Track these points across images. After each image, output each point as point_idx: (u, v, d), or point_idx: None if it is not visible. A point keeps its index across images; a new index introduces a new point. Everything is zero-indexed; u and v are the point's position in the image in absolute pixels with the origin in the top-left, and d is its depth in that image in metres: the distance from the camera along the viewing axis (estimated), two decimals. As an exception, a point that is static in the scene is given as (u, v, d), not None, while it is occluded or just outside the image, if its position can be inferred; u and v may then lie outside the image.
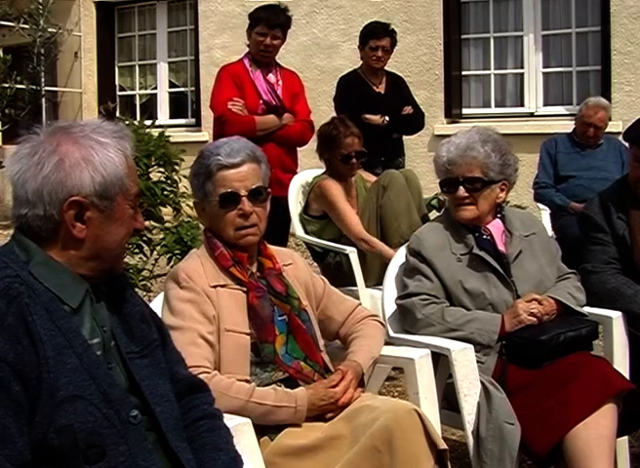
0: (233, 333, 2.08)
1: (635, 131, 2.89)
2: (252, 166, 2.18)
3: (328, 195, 3.79)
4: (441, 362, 2.45)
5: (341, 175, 3.89)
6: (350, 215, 3.76)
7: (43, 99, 8.83)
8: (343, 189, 3.89)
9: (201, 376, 1.87)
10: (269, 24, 4.16)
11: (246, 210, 2.15)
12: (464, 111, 7.46)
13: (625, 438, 2.58)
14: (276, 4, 4.38)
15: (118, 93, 9.34)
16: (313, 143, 4.62)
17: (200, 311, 2.07)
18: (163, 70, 9.09)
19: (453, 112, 7.36)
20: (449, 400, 2.48)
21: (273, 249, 2.29)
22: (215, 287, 2.12)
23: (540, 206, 5.18)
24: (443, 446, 1.93)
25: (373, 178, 4.01)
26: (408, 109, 4.88)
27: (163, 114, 9.04)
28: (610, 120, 5.42)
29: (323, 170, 3.99)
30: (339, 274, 3.73)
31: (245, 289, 2.14)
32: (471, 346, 2.40)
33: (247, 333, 2.09)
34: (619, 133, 5.34)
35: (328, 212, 3.83)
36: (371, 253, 3.72)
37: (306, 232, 3.97)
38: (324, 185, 3.82)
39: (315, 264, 4.13)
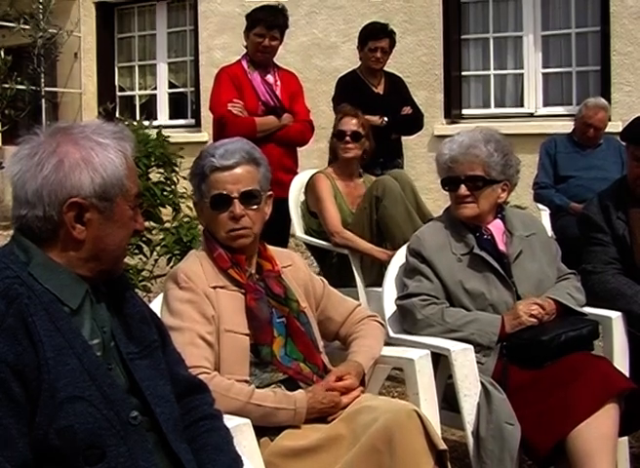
0: (233, 334, 2.08)
1: (632, 130, 2.90)
2: (247, 168, 2.16)
3: (316, 189, 3.83)
4: (441, 362, 2.45)
5: (343, 164, 3.90)
6: (330, 210, 3.77)
7: (43, 100, 8.82)
8: (348, 187, 3.89)
9: (201, 377, 1.87)
10: (268, 25, 4.16)
11: (236, 212, 2.14)
12: (464, 112, 7.45)
13: (625, 438, 2.58)
14: (274, 5, 4.38)
15: (118, 93, 9.33)
16: (313, 144, 4.63)
17: (199, 311, 2.07)
18: (163, 71, 9.08)
19: (452, 113, 7.36)
20: (449, 400, 2.48)
21: (273, 250, 2.29)
22: (214, 287, 2.12)
23: (540, 206, 5.18)
24: (443, 446, 1.92)
25: None
26: (407, 110, 4.88)
27: (163, 115, 9.04)
28: (609, 120, 5.43)
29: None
30: (339, 274, 3.73)
31: (243, 290, 2.14)
32: (471, 346, 2.40)
33: (246, 334, 2.09)
34: (618, 133, 5.34)
35: (315, 205, 3.84)
36: (350, 250, 3.71)
37: (308, 231, 3.98)
38: (314, 179, 3.88)
39: (315, 265, 4.13)
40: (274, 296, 2.17)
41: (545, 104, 7.17)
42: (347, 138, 3.86)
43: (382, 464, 1.86)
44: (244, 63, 4.26)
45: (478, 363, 2.40)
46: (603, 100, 5.38)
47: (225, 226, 2.15)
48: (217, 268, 2.16)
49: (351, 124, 3.89)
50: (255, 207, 2.17)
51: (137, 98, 9.31)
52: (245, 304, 2.12)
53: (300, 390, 2.07)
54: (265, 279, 2.19)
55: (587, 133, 5.16)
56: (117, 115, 8.14)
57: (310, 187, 3.89)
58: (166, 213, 4.13)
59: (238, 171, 2.15)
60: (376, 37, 4.79)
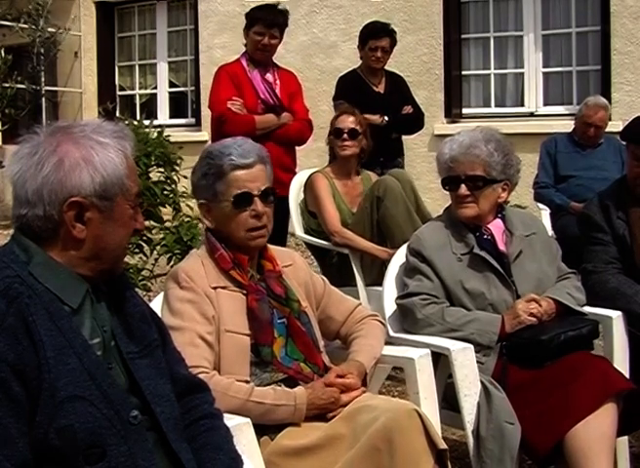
0: (233, 334, 2.08)
1: (632, 129, 2.90)
2: (261, 167, 2.18)
3: (314, 188, 3.83)
4: (441, 361, 2.45)
5: (341, 163, 3.90)
6: (329, 209, 3.77)
7: (43, 99, 8.82)
8: (346, 187, 3.89)
9: (200, 377, 1.87)
10: (267, 24, 4.17)
11: (259, 210, 2.15)
12: (464, 111, 7.45)
13: (625, 438, 2.58)
14: (273, 4, 4.39)
15: (118, 92, 9.33)
16: (313, 143, 4.62)
17: (200, 311, 2.06)
18: (163, 70, 9.08)
19: (453, 112, 7.35)
20: (449, 400, 2.48)
21: (273, 249, 2.29)
22: (215, 288, 2.12)
23: (540, 206, 5.18)
24: (443, 445, 1.92)
25: None
26: (408, 109, 4.87)
27: (163, 114, 9.03)
28: (610, 120, 5.43)
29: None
30: (339, 274, 3.73)
31: (245, 291, 2.14)
32: (471, 346, 2.40)
33: (247, 334, 2.09)
34: (618, 132, 5.34)
35: (314, 205, 3.84)
36: (351, 249, 3.71)
37: (307, 230, 3.98)
38: (313, 178, 3.88)
39: (315, 264, 4.13)
40: (275, 297, 2.17)
41: (546, 104, 7.16)
42: (345, 136, 3.86)
43: (382, 463, 1.86)
44: (243, 62, 4.26)
45: (478, 362, 2.40)
46: (603, 99, 5.39)
47: (246, 225, 2.15)
48: (218, 268, 2.16)
49: (348, 121, 3.88)
50: (271, 204, 2.20)
51: (137, 98, 9.31)
52: (246, 305, 2.12)
53: (299, 387, 2.07)
54: (266, 279, 2.19)
55: (588, 132, 5.16)
56: (117, 114, 8.14)
57: (308, 187, 3.90)
58: (166, 212, 4.12)
59: (255, 169, 2.17)
60: (376, 36, 4.78)
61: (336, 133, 3.89)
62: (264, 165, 2.20)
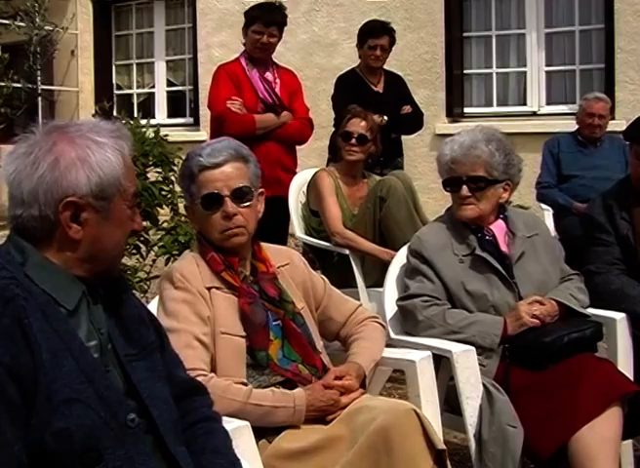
0: (229, 336, 2.06)
1: (635, 129, 2.89)
2: (235, 165, 2.13)
3: (318, 186, 3.80)
4: (443, 364, 2.44)
5: (346, 166, 3.87)
6: (332, 209, 3.75)
7: (39, 98, 8.79)
8: (350, 189, 3.86)
9: (198, 379, 1.85)
10: (266, 22, 4.16)
11: (228, 211, 2.10)
12: (466, 110, 7.42)
13: (629, 441, 2.57)
14: (272, 2, 4.37)
15: (115, 91, 9.30)
16: (313, 143, 4.61)
17: (195, 312, 2.05)
18: (161, 69, 9.05)
19: (454, 111, 7.33)
20: (450, 402, 2.47)
21: (270, 248, 2.26)
22: (209, 288, 2.10)
23: (543, 206, 5.17)
24: (441, 445, 1.91)
25: None
26: (407, 109, 4.86)
27: (161, 113, 9.01)
28: (613, 119, 5.41)
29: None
30: (339, 275, 3.71)
31: (237, 293, 2.12)
32: (473, 348, 2.39)
33: (242, 336, 2.07)
34: (622, 132, 5.32)
35: (316, 203, 3.82)
36: (352, 250, 3.69)
37: (308, 229, 3.95)
38: (317, 176, 3.85)
39: (315, 264, 4.11)
40: (269, 299, 2.14)
41: (549, 103, 7.14)
42: (353, 141, 3.81)
43: (380, 463, 1.85)
44: (242, 61, 4.25)
45: (480, 365, 2.38)
46: (601, 94, 5.40)
47: (219, 226, 2.12)
48: (211, 270, 2.13)
49: (359, 126, 3.83)
50: (247, 204, 2.14)
51: (135, 97, 9.29)
52: (239, 308, 2.10)
53: (298, 388, 2.06)
54: (259, 281, 2.16)
55: (593, 122, 5.14)
56: (115, 114, 8.11)
57: (312, 184, 3.87)
58: (164, 213, 4.10)
59: (227, 168, 2.12)
60: (375, 35, 4.77)
61: (344, 135, 3.84)
62: (241, 163, 2.15)
